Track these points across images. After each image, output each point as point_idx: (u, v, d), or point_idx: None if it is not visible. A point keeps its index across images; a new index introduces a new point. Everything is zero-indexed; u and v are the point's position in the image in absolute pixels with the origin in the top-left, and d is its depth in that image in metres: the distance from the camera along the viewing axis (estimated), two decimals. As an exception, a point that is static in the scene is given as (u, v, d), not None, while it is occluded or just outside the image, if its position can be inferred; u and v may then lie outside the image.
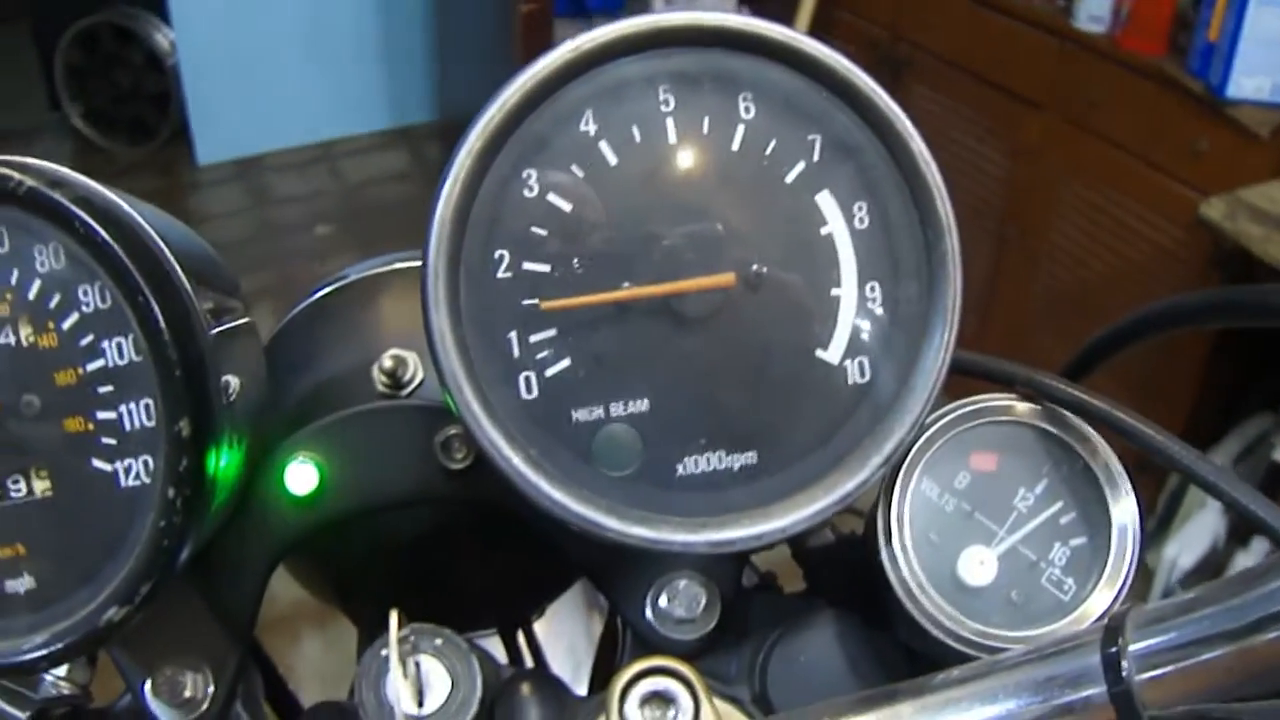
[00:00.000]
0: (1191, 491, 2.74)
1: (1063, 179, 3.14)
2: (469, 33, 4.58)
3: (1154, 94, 2.87)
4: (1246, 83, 2.66)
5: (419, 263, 0.79)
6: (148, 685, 0.67)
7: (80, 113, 5.31)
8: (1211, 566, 2.62)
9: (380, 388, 0.73)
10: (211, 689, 0.67)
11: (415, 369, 0.73)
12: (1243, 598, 0.48)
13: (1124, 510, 0.61)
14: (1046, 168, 3.20)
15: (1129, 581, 0.61)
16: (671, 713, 0.53)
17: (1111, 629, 0.50)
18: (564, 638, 1.39)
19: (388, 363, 0.72)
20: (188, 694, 0.67)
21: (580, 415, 0.58)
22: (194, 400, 0.57)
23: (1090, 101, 3.02)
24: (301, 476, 0.67)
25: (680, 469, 0.58)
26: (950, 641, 0.60)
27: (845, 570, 0.71)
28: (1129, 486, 0.62)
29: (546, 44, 0.57)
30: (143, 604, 0.58)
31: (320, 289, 0.89)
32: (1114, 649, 0.49)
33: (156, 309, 0.56)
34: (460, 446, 0.66)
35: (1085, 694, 0.49)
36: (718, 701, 0.56)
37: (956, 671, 0.55)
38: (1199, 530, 2.67)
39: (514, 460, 0.56)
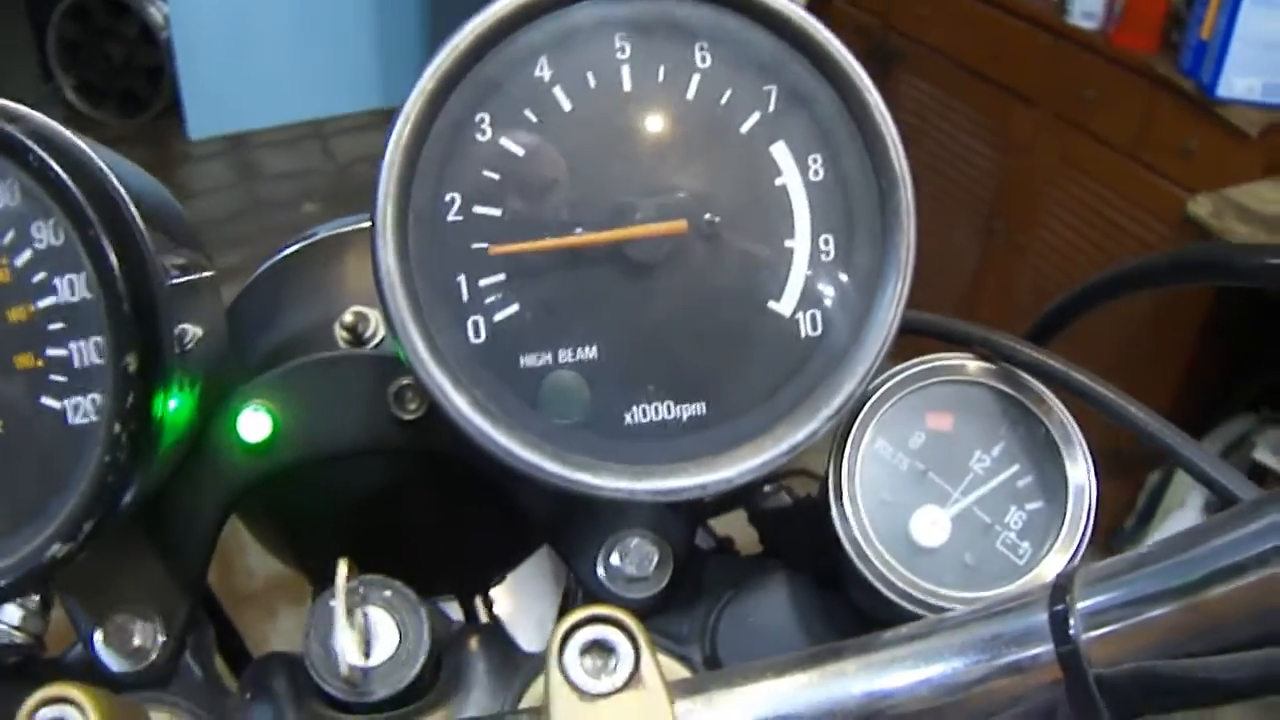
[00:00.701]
0: (1172, 489, 2.74)
1: (1052, 174, 3.14)
2: (463, 12, 4.56)
3: (1145, 91, 2.87)
4: (1238, 82, 2.66)
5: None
6: (98, 634, 0.66)
7: (72, 85, 5.29)
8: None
9: (341, 344, 0.72)
10: (162, 638, 0.67)
11: (376, 325, 0.73)
12: (1189, 554, 0.47)
13: (1080, 473, 0.61)
14: (1036, 162, 3.19)
15: (1083, 546, 0.60)
16: (612, 662, 0.52)
17: (1059, 587, 0.49)
18: (533, 613, 1.39)
19: (349, 318, 0.71)
20: (137, 643, 0.66)
21: (528, 361, 0.57)
22: (143, 338, 0.56)
23: (1081, 97, 3.02)
24: (254, 424, 0.66)
25: (628, 417, 0.58)
26: (901, 602, 0.59)
27: (801, 533, 0.70)
28: (1086, 451, 0.61)
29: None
30: (85, 541, 0.58)
31: (287, 247, 0.88)
32: (1061, 607, 0.48)
33: (108, 245, 0.56)
34: (413, 397, 0.65)
35: (1032, 652, 0.49)
36: (663, 658, 0.55)
37: (904, 629, 0.54)
38: (1178, 528, 2.67)
39: (459, 404, 0.55)
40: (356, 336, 0.72)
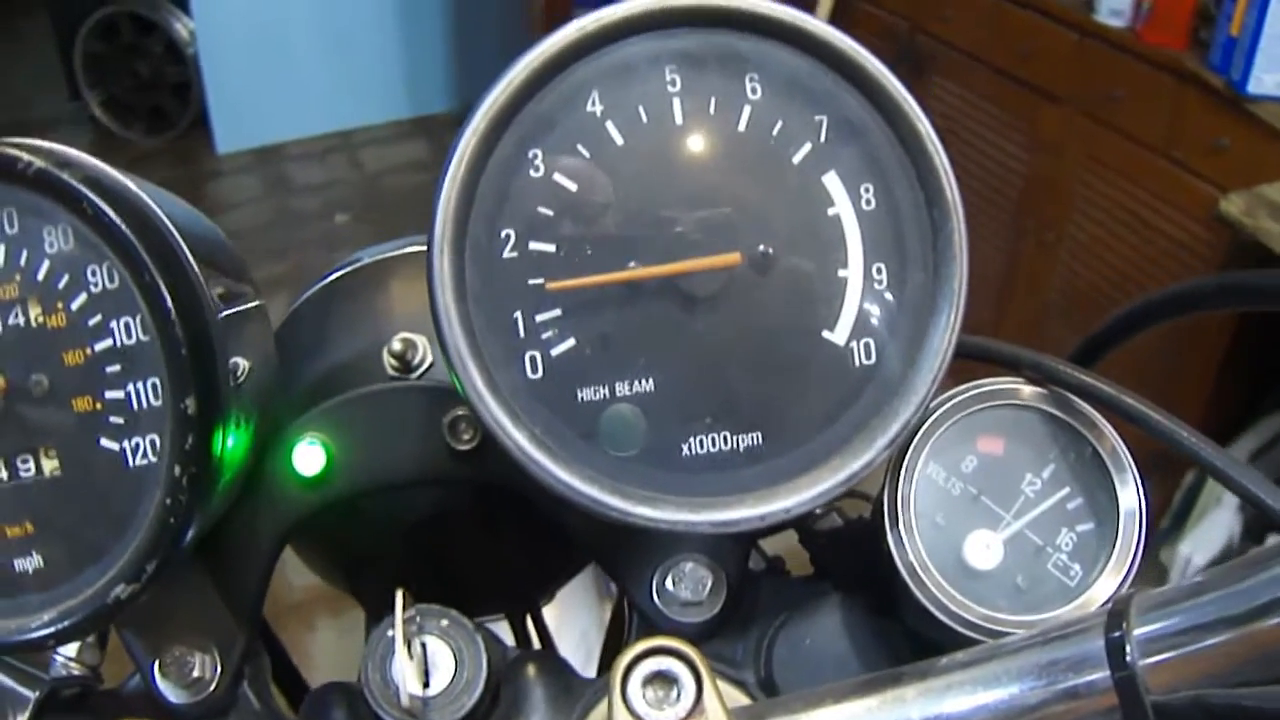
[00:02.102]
0: (1207, 489, 2.72)
1: (1081, 173, 3.13)
2: (488, 22, 4.58)
3: (1174, 89, 2.85)
4: (1268, 79, 2.64)
5: (421, 247, 0.79)
6: (156, 666, 0.67)
7: (99, 102, 5.34)
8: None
9: (390, 371, 0.73)
10: (219, 670, 0.68)
11: (424, 352, 0.73)
12: (1247, 583, 0.48)
13: (1130, 496, 0.61)
14: (1065, 161, 3.18)
15: (1135, 568, 0.61)
16: (674, 693, 0.53)
17: (1115, 614, 0.50)
18: (576, 626, 1.40)
19: (397, 345, 0.72)
20: (195, 674, 0.67)
21: (585, 395, 0.58)
22: (200, 379, 0.57)
23: (1110, 96, 3.00)
24: (309, 457, 0.67)
25: (685, 449, 0.58)
26: (955, 625, 0.60)
27: (852, 555, 0.71)
28: (1136, 472, 0.61)
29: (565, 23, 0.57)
30: (149, 582, 0.59)
31: (332, 273, 0.89)
32: (1118, 634, 0.49)
33: (163, 288, 0.57)
34: (467, 427, 0.66)
35: (1089, 678, 0.49)
36: (720, 684, 0.56)
37: (961, 655, 0.55)
38: (1214, 528, 2.65)
39: (519, 439, 0.56)
40: (405, 364, 0.72)
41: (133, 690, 0.71)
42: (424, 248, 0.76)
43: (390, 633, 0.64)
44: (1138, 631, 0.48)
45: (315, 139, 5.38)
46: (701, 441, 0.58)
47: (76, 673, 0.72)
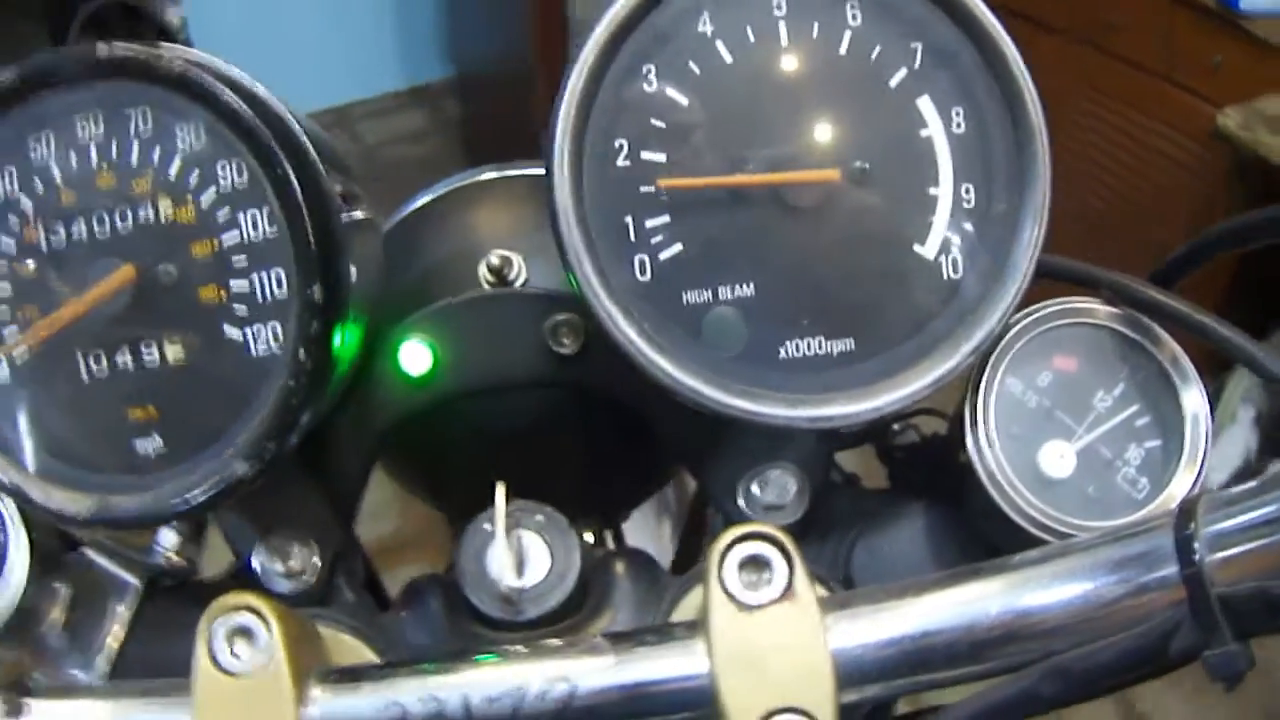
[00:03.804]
0: (1222, 406, 2.70)
1: (1078, 99, 3.10)
2: None
3: (1168, 11, 2.84)
4: (1260, -4, 2.63)
5: (517, 172, 0.82)
6: (256, 555, 0.70)
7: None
8: (1244, 480, 2.60)
9: (485, 285, 0.75)
10: (317, 561, 0.71)
11: (520, 268, 0.76)
12: (1311, 481, 0.51)
13: (1195, 402, 0.65)
14: (1062, 87, 3.12)
15: (1202, 473, 0.64)
16: (766, 575, 0.55)
17: (1184, 512, 0.52)
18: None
19: (494, 260, 0.74)
20: (294, 565, 0.70)
21: (690, 297, 0.61)
22: (326, 269, 0.60)
23: (1106, 23, 2.99)
24: (416, 356, 0.69)
25: (782, 351, 0.61)
26: (1031, 529, 0.63)
27: (928, 469, 0.74)
28: (1200, 385, 0.65)
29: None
30: (269, 462, 0.61)
31: (418, 197, 0.91)
32: (1187, 530, 0.51)
33: (295, 181, 0.60)
34: (569, 332, 0.69)
35: (1159, 573, 0.52)
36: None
37: (1035, 553, 0.58)
38: (1230, 444, 2.65)
39: (630, 334, 0.59)
40: (501, 278, 0.75)
41: (230, 579, 0.74)
42: (509, 172, 0.79)
43: (486, 526, 0.66)
44: (1205, 529, 0.51)
45: (312, 115, 5.33)
46: (798, 344, 0.61)
47: (176, 564, 0.75)
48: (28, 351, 0.63)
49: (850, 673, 0.54)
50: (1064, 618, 0.54)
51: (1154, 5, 2.87)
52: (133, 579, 0.73)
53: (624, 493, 1.05)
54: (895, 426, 0.78)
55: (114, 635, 0.71)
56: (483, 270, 0.75)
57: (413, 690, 0.56)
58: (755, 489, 0.69)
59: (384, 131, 5.24)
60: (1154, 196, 2.93)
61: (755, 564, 0.56)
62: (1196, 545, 0.50)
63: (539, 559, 0.66)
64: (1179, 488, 0.64)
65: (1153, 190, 2.94)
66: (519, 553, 0.66)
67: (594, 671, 0.55)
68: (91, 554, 0.72)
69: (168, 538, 0.76)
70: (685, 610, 0.65)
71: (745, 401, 0.60)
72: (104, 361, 0.63)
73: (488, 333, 0.70)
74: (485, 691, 0.55)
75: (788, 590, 0.55)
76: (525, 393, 0.74)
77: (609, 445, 0.87)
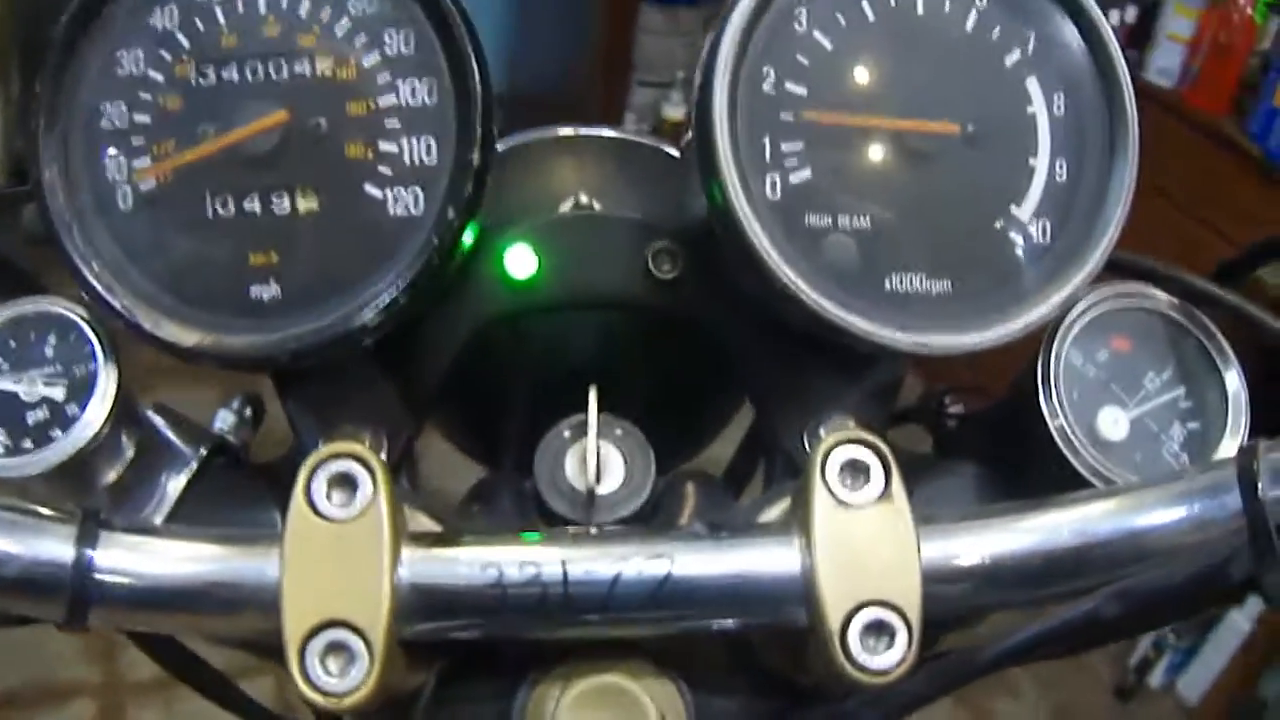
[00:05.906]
0: None
1: None
2: (548, 6, 4.53)
3: (1212, 153, 2.96)
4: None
5: (591, 131, 0.86)
6: (322, 442, 0.70)
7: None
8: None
9: None
10: (383, 454, 0.70)
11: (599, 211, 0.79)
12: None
13: (1235, 381, 0.71)
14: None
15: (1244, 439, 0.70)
16: (863, 480, 0.59)
17: (1245, 451, 0.57)
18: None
19: (583, 199, 0.78)
20: None
21: (812, 220, 0.66)
22: (485, 136, 0.63)
23: (1151, 155, 3.10)
24: (522, 260, 0.72)
25: (888, 283, 0.67)
26: (1094, 480, 0.68)
27: (979, 435, 0.79)
28: (1239, 370, 0.71)
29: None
30: (395, 316, 0.63)
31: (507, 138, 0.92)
32: (1249, 467, 0.56)
33: (470, 50, 0.63)
34: (667, 259, 0.73)
35: (1221, 505, 0.57)
36: None
37: (1106, 489, 0.63)
38: None
39: (762, 238, 0.63)
40: None
41: (286, 465, 0.74)
42: (582, 131, 0.82)
43: (566, 433, 0.69)
44: (1266, 467, 0.56)
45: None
46: (902, 279, 0.67)
47: (233, 444, 0.74)
48: (155, 183, 0.64)
49: (937, 576, 0.58)
50: (1132, 545, 0.58)
51: (1201, 144, 2.97)
52: (190, 450, 0.72)
53: (696, 430, 1.06)
54: (946, 399, 0.82)
55: (166, 504, 0.70)
56: (566, 207, 0.78)
57: (511, 555, 0.57)
58: (821, 432, 0.72)
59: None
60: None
61: (854, 469, 0.59)
62: (1260, 483, 0.55)
63: (615, 468, 0.68)
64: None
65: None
66: (597, 461, 0.67)
67: (693, 555, 0.58)
68: (155, 417, 0.72)
69: (223, 417, 0.76)
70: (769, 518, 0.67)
71: (858, 318, 0.64)
72: (230, 205, 0.64)
73: (594, 249, 0.73)
74: (584, 564, 0.57)
75: (885, 493, 0.58)
76: (618, 313, 0.76)
77: (685, 379, 0.89)
